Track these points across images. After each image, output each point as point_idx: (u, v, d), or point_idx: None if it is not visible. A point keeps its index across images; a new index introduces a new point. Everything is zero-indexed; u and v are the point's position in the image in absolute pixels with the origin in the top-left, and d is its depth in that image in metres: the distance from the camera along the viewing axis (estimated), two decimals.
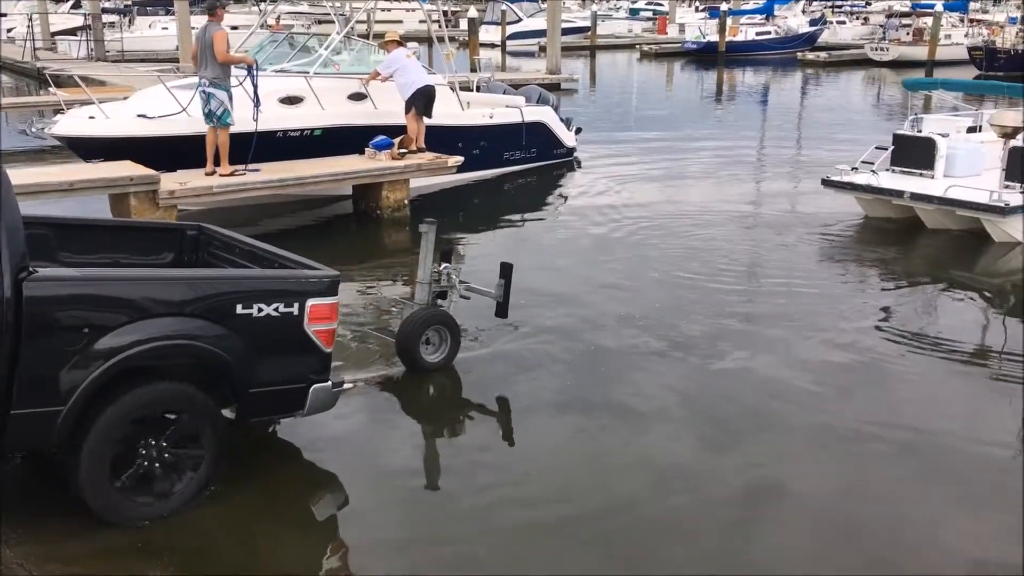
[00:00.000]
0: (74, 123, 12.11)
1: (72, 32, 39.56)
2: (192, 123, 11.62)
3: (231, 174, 11.45)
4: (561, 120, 17.17)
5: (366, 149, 13.03)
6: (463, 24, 45.76)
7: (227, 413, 5.39)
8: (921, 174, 12.44)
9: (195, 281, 5.26)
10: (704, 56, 44.23)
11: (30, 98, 24.17)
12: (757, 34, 47.39)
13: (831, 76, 38.92)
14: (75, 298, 4.76)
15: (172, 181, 10.96)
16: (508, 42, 48.74)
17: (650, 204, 14.09)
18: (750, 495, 5.71)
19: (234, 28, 11.64)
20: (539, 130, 16.34)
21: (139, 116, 11.96)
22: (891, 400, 7.21)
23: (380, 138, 13.03)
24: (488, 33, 47.39)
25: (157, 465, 4.99)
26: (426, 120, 13.41)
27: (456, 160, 13.45)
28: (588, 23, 51.26)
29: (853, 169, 12.80)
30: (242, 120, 11.50)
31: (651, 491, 5.78)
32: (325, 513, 5.65)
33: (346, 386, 6.52)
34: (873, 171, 12.63)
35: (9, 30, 41.70)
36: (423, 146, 13.37)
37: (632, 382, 7.43)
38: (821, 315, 9.12)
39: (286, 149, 12.50)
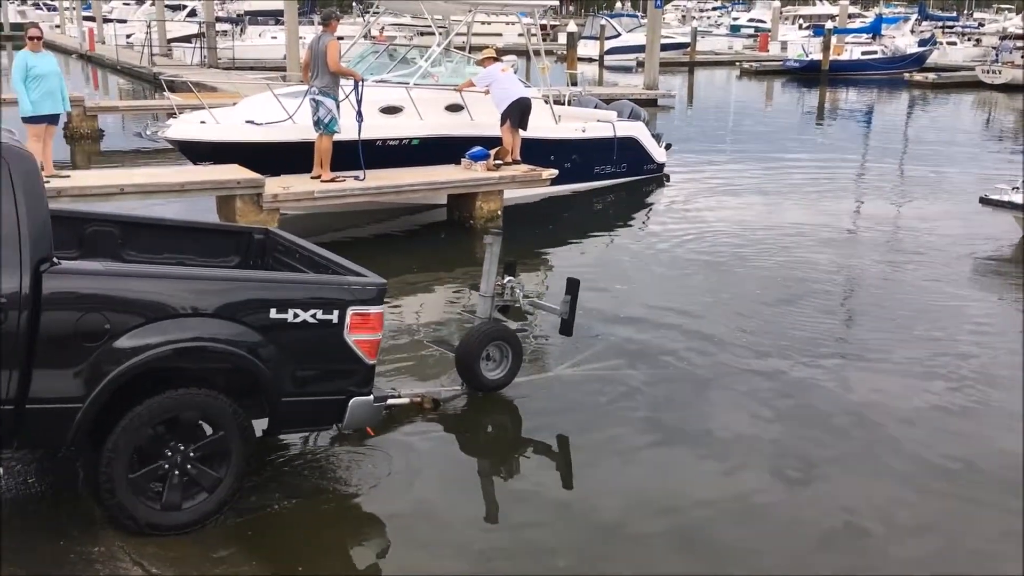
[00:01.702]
0: (185, 127, 12.64)
1: (187, 39, 41.29)
2: (297, 130, 12.01)
3: (332, 180, 11.78)
4: (652, 136, 17.14)
5: (462, 159, 13.25)
6: (562, 38, 46.04)
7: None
8: None
9: (225, 282, 5.01)
10: (806, 75, 43.41)
11: (146, 102, 25.28)
12: (863, 53, 46.31)
13: (939, 98, 37.69)
14: (96, 292, 4.54)
15: (276, 185, 11.35)
16: (606, 57, 48.71)
17: (742, 224, 13.87)
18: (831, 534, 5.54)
19: (340, 38, 11.98)
20: (631, 145, 16.34)
21: (247, 122, 12.42)
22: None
23: (476, 149, 13.23)
24: (586, 47, 47.44)
25: (177, 474, 4.77)
26: (521, 132, 13.56)
27: (550, 173, 13.56)
28: (688, 39, 50.93)
29: (1014, 189, 12.42)
30: (346, 129, 11.82)
31: (727, 522, 5.67)
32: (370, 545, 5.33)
33: (393, 401, 6.35)
34: None
35: (128, 36, 43.67)
36: (518, 158, 13.52)
37: (702, 412, 7.14)
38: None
39: (384, 157, 12.79)
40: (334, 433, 6.16)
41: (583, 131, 15.53)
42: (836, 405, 7.31)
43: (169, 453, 4.73)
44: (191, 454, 4.79)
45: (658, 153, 17.12)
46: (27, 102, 10.35)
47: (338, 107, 11.54)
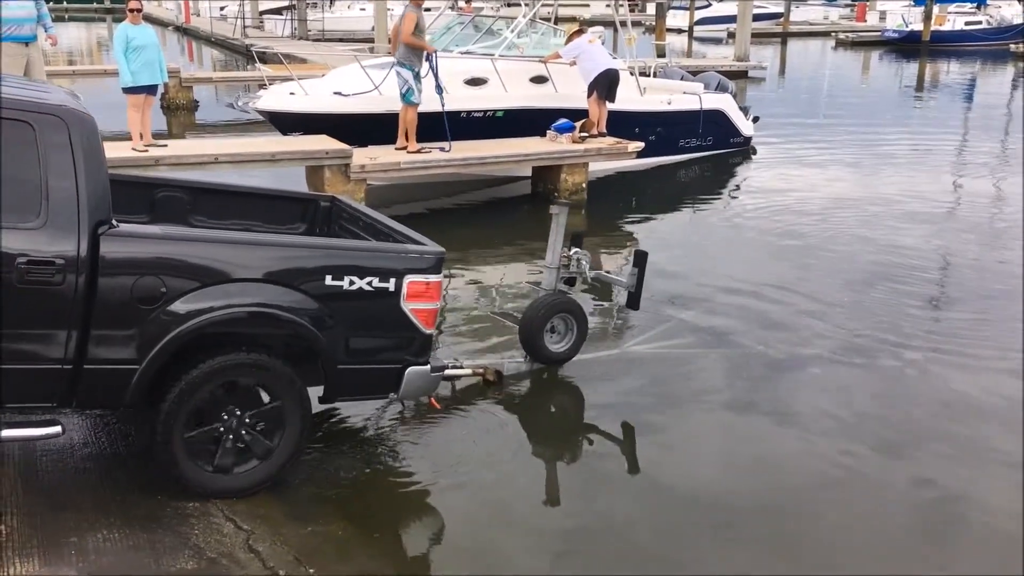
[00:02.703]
0: (275, 98, 12.89)
1: (278, 12, 42.02)
2: (384, 101, 12.13)
3: (418, 151, 11.88)
4: (739, 108, 16.80)
5: (547, 132, 13.20)
6: (650, 8, 45.32)
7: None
8: None
9: (280, 247, 5.03)
10: (905, 46, 41.90)
11: (238, 73, 25.85)
12: (966, 24, 44.45)
13: None
14: (154, 255, 4.55)
15: (363, 156, 11.50)
16: (696, 27, 47.86)
17: (831, 200, 13.50)
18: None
19: (427, 10, 12.01)
20: (717, 118, 16.07)
21: (334, 93, 12.60)
22: None
23: (562, 121, 13.18)
24: (675, 18, 46.70)
25: (231, 438, 4.80)
26: (607, 105, 13.44)
27: (636, 146, 13.42)
28: (781, 9, 49.61)
29: None
30: (431, 101, 11.90)
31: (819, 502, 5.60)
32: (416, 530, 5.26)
33: (455, 371, 6.33)
34: None
35: (222, 8, 44.64)
36: (604, 130, 13.41)
37: (774, 395, 6.98)
38: None
39: (469, 129, 12.84)
40: (409, 404, 6.27)
41: (669, 103, 15.31)
42: (920, 393, 7.10)
43: (225, 417, 4.76)
44: (246, 419, 4.81)
45: (745, 126, 16.79)
46: (127, 73, 10.67)
47: (416, 78, 11.57)
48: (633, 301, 7.42)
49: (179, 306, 4.53)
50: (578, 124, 13.20)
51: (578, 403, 6.98)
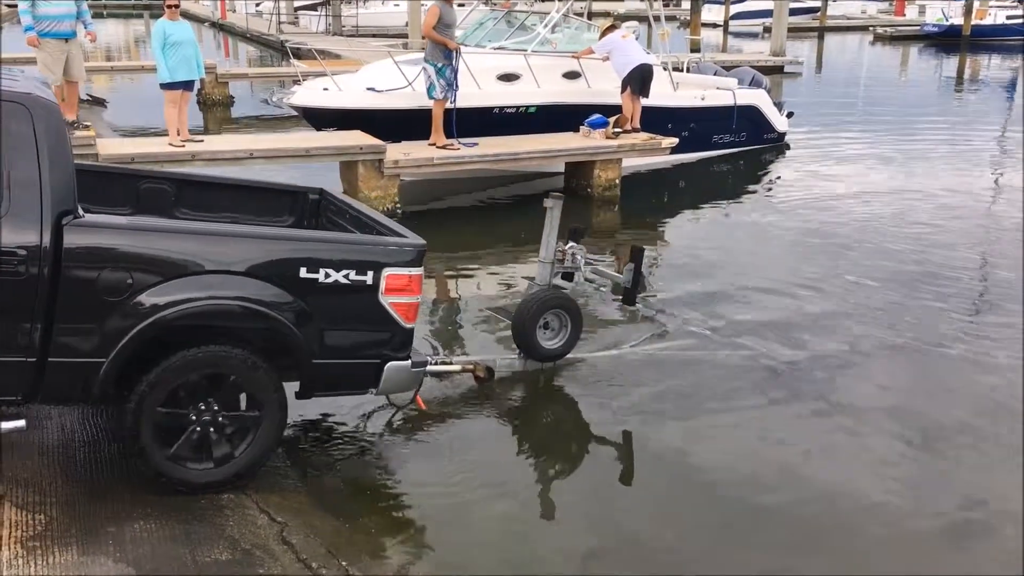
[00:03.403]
0: (309, 94, 12.97)
1: (313, 8, 42.32)
2: (417, 97, 12.16)
3: (445, 147, 11.89)
4: (774, 104, 16.65)
5: (581, 127, 13.17)
6: (685, 3, 45.05)
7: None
8: None
9: (252, 239, 4.85)
10: (945, 40, 41.31)
11: (273, 69, 26.03)
12: (1008, 18, 43.67)
13: None
14: (119, 247, 4.41)
15: (397, 151, 11.55)
16: (731, 22, 47.49)
17: (865, 197, 13.30)
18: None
19: (460, 5, 12.00)
20: (751, 114, 15.95)
21: (368, 89, 12.65)
22: None
23: (595, 117, 13.14)
24: (711, 13, 46.38)
25: (203, 430, 4.67)
26: (641, 100, 13.38)
27: (670, 142, 13.36)
28: (818, 3, 49.06)
29: None
30: (469, 97, 11.88)
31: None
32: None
33: (443, 368, 6.16)
34: None
35: (258, 4, 45.02)
36: (638, 126, 13.35)
37: (798, 395, 6.81)
38: None
39: (502, 124, 12.85)
40: (436, 402, 6.28)
41: (702, 99, 15.21)
42: (954, 395, 6.99)
43: (197, 409, 4.65)
44: (218, 412, 4.68)
45: (779, 122, 16.65)
46: (165, 69, 10.79)
47: (438, 73, 11.58)
48: (629, 297, 7.27)
49: (146, 298, 4.42)
50: (612, 120, 13.15)
51: (567, 404, 6.76)
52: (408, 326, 5.09)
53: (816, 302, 8.78)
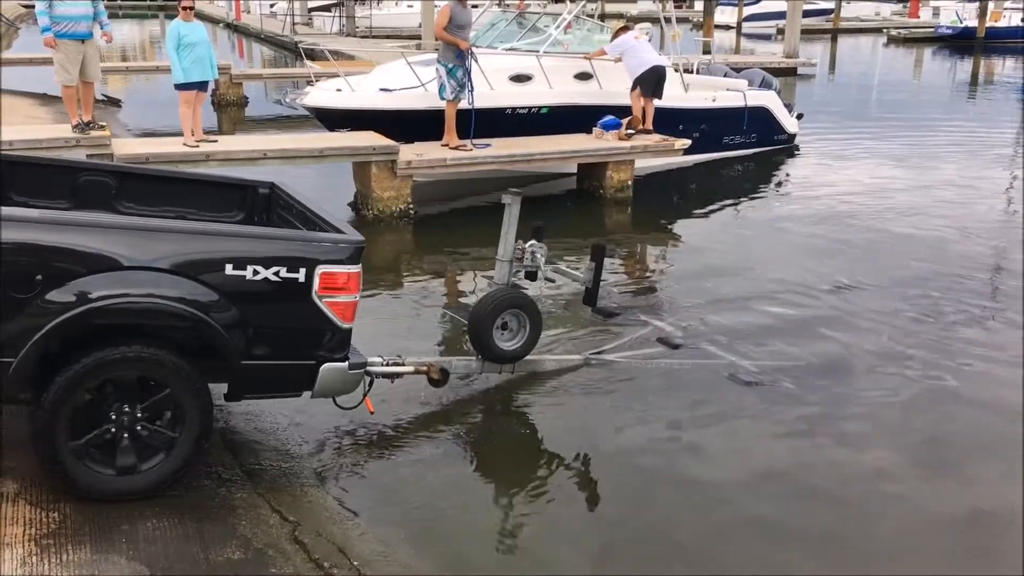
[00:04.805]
0: (322, 95, 13.01)
1: (327, 9, 42.40)
2: (430, 98, 12.18)
3: (458, 148, 11.91)
4: (784, 105, 16.63)
5: (593, 128, 13.17)
6: (698, 5, 44.96)
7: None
8: None
9: (174, 234, 4.66)
10: (960, 42, 41.08)
11: (286, 70, 26.10)
12: (1023, 20, 43.37)
13: None
14: (29, 241, 4.22)
15: (410, 152, 11.57)
16: (744, 24, 47.35)
17: (874, 200, 13.16)
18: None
19: (475, 6, 12.01)
20: (761, 115, 15.93)
21: (381, 90, 12.68)
22: None
23: (608, 118, 13.14)
24: (724, 14, 46.27)
25: (123, 435, 4.47)
26: (654, 101, 13.36)
27: (683, 143, 13.35)
28: (831, 5, 48.91)
29: None
30: (481, 96, 11.92)
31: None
32: None
33: (391, 368, 5.88)
34: None
35: (272, 5, 45.16)
36: (651, 127, 13.33)
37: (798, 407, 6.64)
38: None
39: (514, 125, 12.85)
40: (457, 402, 6.26)
41: (713, 100, 15.20)
42: (961, 406, 6.91)
43: (113, 416, 4.45)
44: (137, 415, 4.49)
45: (789, 123, 16.64)
46: (179, 69, 10.83)
47: (449, 74, 11.59)
48: (590, 297, 7.05)
49: (57, 296, 4.21)
50: (624, 121, 13.15)
51: (500, 407, 6.58)
52: (345, 326, 4.87)
53: (823, 307, 8.66)
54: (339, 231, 5.04)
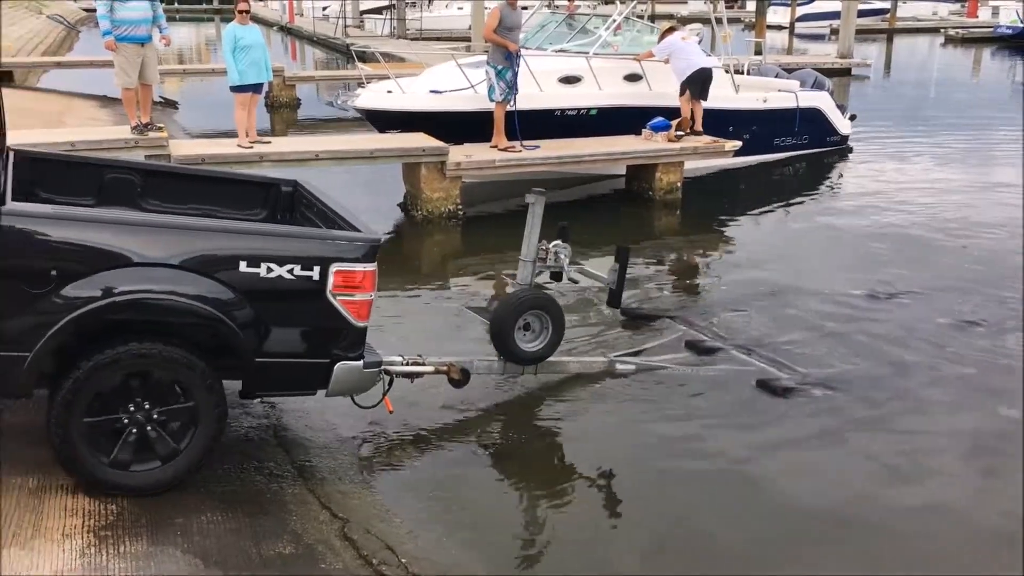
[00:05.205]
0: (372, 96, 13.14)
1: (378, 11, 42.79)
2: (479, 99, 12.24)
3: (507, 149, 11.94)
4: (837, 106, 16.40)
5: (643, 130, 13.12)
6: (750, 5, 44.49)
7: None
8: None
9: (188, 231, 4.63)
10: (1020, 42, 40.05)
11: (338, 72, 26.38)
12: None
13: None
14: (44, 236, 4.24)
15: (459, 153, 11.64)
16: (797, 24, 46.76)
17: (929, 204, 12.88)
18: None
19: (524, 8, 12.05)
20: (813, 116, 15.73)
21: (431, 91, 12.77)
22: None
23: (658, 119, 13.09)
24: (776, 14, 45.74)
25: (135, 431, 4.48)
26: (702, 103, 13.27)
27: (733, 144, 13.24)
28: (887, 4, 48.07)
29: None
30: (531, 98, 11.92)
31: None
32: None
33: (411, 368, 5.81)
34: None
35: (324, 8, 45.66)
36: (700, 129, 13.25)
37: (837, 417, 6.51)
38: None
39: (563, 127, 12.86)
40: (491, 401, 6.28)
41: (764, 101, 15.05)
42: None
43: (131, 409, 4.46)
44: (153, 413, 4.49)
45: (842, 124, 16.40)
46: (235, 72, 11.02)
47: (498, 76, 11.63)
48: (614, 299, 7.00)
49: (71, 291, 4.23)
50: (674, 122, 13.08)
51: (518, 408, 6.52)
52: (360, 324, 4.82)
53: (866, 315, 8.41)
54: (356, 229, 5.01)
